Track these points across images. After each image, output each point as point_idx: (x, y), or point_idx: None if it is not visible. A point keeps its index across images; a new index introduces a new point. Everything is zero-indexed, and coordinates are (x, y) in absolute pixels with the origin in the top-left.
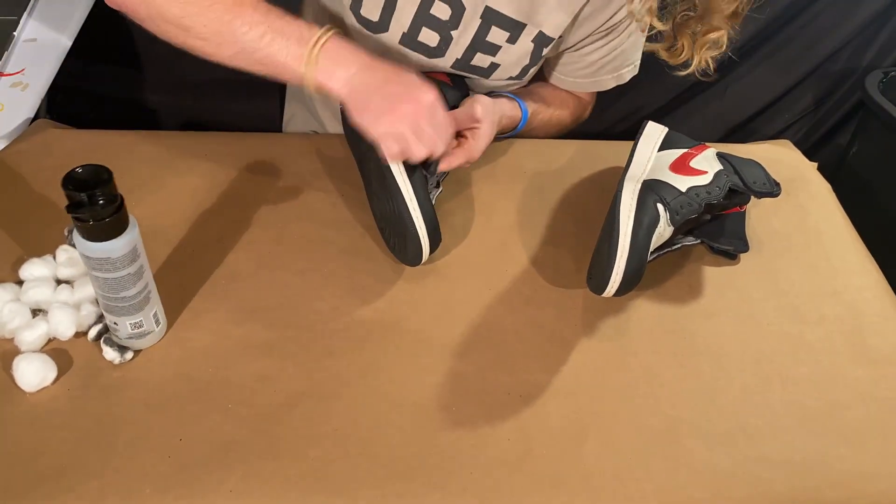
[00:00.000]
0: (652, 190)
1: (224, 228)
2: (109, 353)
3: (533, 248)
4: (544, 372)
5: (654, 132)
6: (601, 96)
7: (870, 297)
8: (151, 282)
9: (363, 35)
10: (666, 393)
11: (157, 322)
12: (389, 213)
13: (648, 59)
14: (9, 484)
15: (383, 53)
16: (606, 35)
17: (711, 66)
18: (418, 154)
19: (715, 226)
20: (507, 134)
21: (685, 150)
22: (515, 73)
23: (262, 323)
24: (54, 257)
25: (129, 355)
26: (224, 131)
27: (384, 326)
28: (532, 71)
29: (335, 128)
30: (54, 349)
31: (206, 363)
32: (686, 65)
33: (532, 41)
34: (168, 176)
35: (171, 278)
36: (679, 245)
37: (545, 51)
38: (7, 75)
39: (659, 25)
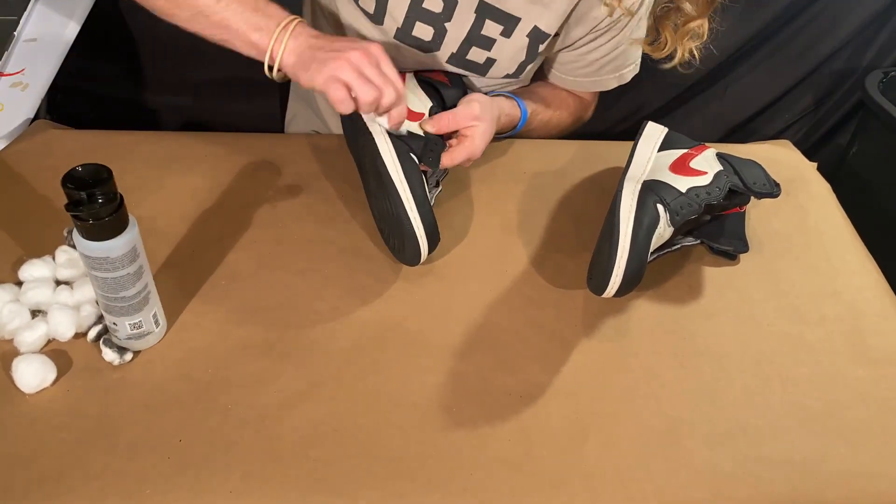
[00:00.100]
0: (652, 190)
1: (224, 228)
2: (109, 355)
3: (533, 248)
4: (545, 372)
5: (653, 132)
6: (601, 96)
7: (870, 297)
8: (151, 282)
9: (363, 34)
10: (666, 393)
11: (157, 323)
12: (387, 213)
13: (648, 58)
14: (9, 485)
15: None
16: (606, 33)
17: (696, 56)
18: (365, 97)
19: (715, 226)
20: (507, 134)
21: (685, 151)
22: (512, 69)
23: (262, 323)
24: (54, 258)
25: (129, 356)
26: (224, 131)
27: (384, 326)
28: (529, 68)
29: (338, 127)
30: (54, 350)
31: (206, 364)
32: (670, 57)
33: (527, 35)
34: (168, 176)
35: (171, 278)
36: (679, 245)
37: (541, 47)
38: (7, 75)
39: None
